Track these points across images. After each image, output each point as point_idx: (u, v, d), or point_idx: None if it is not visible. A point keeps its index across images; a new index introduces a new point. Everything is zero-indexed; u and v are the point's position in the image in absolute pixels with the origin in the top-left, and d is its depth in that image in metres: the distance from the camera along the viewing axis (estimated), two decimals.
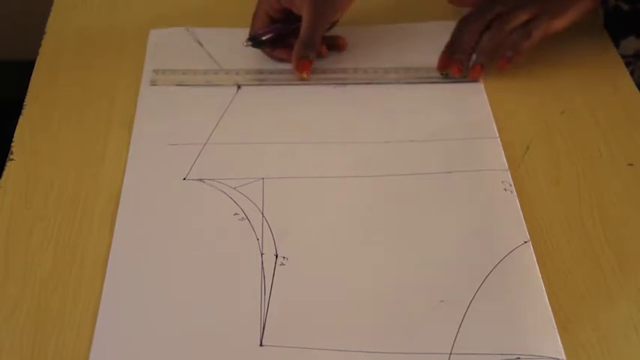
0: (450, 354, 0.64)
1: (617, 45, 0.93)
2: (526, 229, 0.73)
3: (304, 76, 0.86)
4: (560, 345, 0.64)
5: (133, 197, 0.75)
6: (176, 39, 0.93)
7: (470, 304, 0.67)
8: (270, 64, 0.89)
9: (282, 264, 0.70)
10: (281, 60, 0.89)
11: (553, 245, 0.72)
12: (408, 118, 0.84)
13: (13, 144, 0.80)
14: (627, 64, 0.91)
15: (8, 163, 0.78)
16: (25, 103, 0.84)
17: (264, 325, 0.65)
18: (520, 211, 0.74)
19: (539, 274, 0.69)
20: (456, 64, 0.86)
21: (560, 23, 0.85)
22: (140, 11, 0.97)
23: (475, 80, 0.87)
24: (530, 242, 0.72)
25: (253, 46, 0.89)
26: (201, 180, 0.77)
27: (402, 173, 0.78)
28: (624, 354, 0.65)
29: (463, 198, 0.76)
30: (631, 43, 0.95)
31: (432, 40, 0.89)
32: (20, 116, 0.83)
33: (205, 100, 0.85)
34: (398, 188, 0.76)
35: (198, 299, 0.67)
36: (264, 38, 0.89)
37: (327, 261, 0.70)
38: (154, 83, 0.87)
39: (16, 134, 0.81)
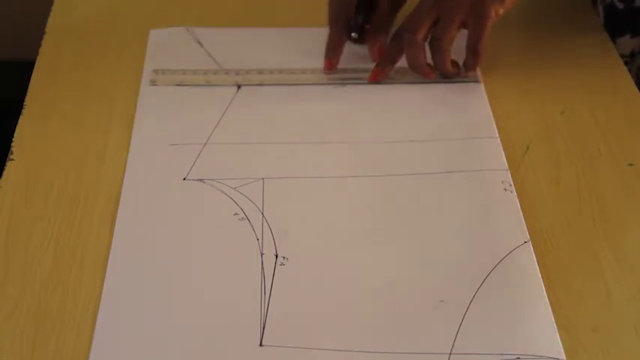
0: (450, 354, 0.64)
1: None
2: (526, 229, 0.73)
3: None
4: (560, 345, 0.64)
5: (133, 197, 0.75)
6: (176, 39, 0.93)
7: (470, 304, 0.67)
8: (270, 64, 0.89)
9: (282, 264, 0.70)
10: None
11: (553, 245, 0.72)
12: (408, 118, 0.84)
13: (13, 144, 0.80)
14: (624, 64, 0.91)
15: (8, 163, 0.78)
16: (25, 103, 0.84)
17: (264, 325, 0.65)
18: (520, 211, 0.74)
19: (539, 274, 0.69)
20: (385, 74, 0.87)
21: (504, 4, 0.83)
22: (140, 11, 0.97)
23: (475, 80, 0.87)
24: (530, 242, 0.72)
25: (357, 34, 0.89)
26: (201, 180, 0.77)
27: (402, 173, 0.78)
28: (624, 354, 0.65)
29: (463, 198, 0.76)
30: (626, 42, 0.95)
31: None
32: (20, 116, 0.83)
33: (205, 100, 0.85)
34: (398, 188, 0.77)
35: (198, 299, 0.67)
36: (360, 21, 0.88)
37: (327, 261, 0.70)
38: (153, 83, 0.87)
39: (16, 134, 0.81)
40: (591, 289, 0.69)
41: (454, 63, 0.86)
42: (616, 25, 0.95)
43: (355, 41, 0.89)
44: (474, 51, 0.84)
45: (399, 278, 0.69)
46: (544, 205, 0.75)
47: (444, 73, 0.86)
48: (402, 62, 0.87)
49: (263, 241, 0.72)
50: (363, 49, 0.90)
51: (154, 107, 0.84)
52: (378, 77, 0.87)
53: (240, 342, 0.64)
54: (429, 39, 0.84)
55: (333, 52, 0.88)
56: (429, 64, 0.85)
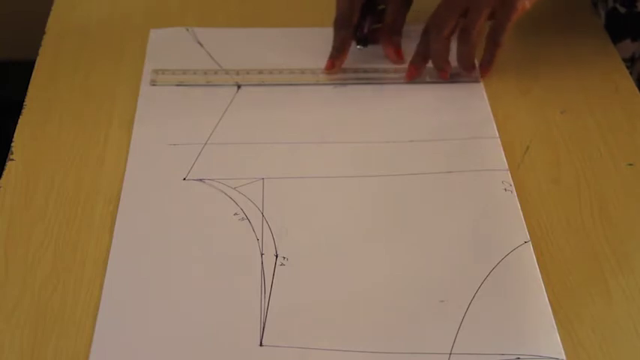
0: (450, 354, 0.64)
1: None
2: (526, 229, 0.73)
3: (399, 60, 0.88)
4: (560, 345, 0.64)
5: (133, 197, 0.75)
6: (176, 39, 0.93)
7: (470, 304, 0.67)
8: (270, 64, 0.89)
9: (282, 264, 0.70)
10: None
11: (553, 245, 0.72)
12: (408, 118, 0.84)
13: (13, 144, 0.80)
14: None
15: (8, 163, 0.78)
16: (25, 103, 0.84)
17: (264, 325, 0.65)
18: (520, 211, 0.74)
19: (539, 274, 0.69)
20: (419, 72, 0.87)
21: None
22: (140, 11, 0.97)
23: (475, 80, 0.87)
24: (530, 242, 0.72)
25: (364, 45, 0.90)
26: (201, 180, 0.77)
27: (402, 173, 0.78)
28: (624, 354, 0.65)
29: (463, 198, 0.76)
30: (627, 47, 0.95)
31: None
32: (20, 116, 0.83)
33: (205, 100, 0.85)
34: (398, 188, 0.77)
35: (198, 299, 0.67)
36: (365, 31, 0.90)
37: (327, 261, 0.70)
38: (154, 83, 0.87)
39: (16, 134, 0.81)
40: (591, 289, 0.69)
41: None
42: (617, 29, 0.95)
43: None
44: (495, 41, 0.84)
45: (399, 278, 0.69)
46: (544, 205, 0.75)
47: (466, 67, 0.86)
48: (403, 62, 0.87)
49: (263, 241, 0.71)
50: (365, 49, 0.90)
51: (154, 107, 0.84)
52: (414, 75, 0.87)
53: (240, 342, 0.64)
54: (456, 32, 0.84)
55: (337, 53, 0.87)
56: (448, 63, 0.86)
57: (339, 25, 0.88)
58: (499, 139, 0.81)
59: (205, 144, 0.80)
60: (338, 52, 0.87)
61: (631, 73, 0.90)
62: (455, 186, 0.77)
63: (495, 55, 0.85)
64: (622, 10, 0.94)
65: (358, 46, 0.90)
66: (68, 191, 0.76)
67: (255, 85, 0.87)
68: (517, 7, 0.82)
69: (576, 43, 0.93)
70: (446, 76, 0.86)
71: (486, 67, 0.86)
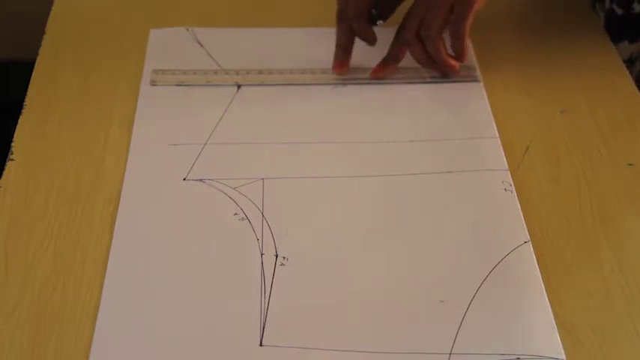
0: (450, 354, 0.64)
1: None
2: (526, 229, 0.73)
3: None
4: (560, 345, 0.64)
5: (133, 197, 0.75)
6: (176, 39, 0.93)
7: (470, 304, 0.67)
8: (270, 64, 0.89)
9: (282, 264, 0.70)
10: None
11: (553, 245, 0.72)
12: (407, 118, 0.84)
13: (13, 144, 0.80)
14: None
15: (8, 163, 0.78)
16: (25, 103, 0.84)
17: (264, 325, 0.65)
18: (520, 211, 0.74)
19: (539, 274, 0.69)
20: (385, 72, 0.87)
21: None
22: (140, 11, 0.97)
23: (475, 80, 0.87)
24: (530, 242, 0.72)
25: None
26: (201, 180, 0.77)
27: (402, 173, 0.78)
28: (624, 354, 0.65)
29: (463, 198, 0.76)
30: (625, 48, 0.95)
31: None
32: (20, 116, 0.83)
33: (205, 100, 0.85)
34: (398, 188, 0.77)
35: (198, 299, 0.67)
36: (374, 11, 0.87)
37: (327, 261, 0.70)
38: (154, 83, 0.87)
39: (16, 134, 0.81)
40: (591, 289, 0.69)
41: (452, 56, 0.86)
42: (614, 31, 0.94)
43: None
44: (455, 34, 0.84)
45: (399, 278, 0.69)
46: (544, 205, 0.76)
47: (441, 62, 0.85)
48: (403, 62, 0.87)
49: (263, 241, 0.72)
50: (365, 49, 0.90)
51: (154, 107, 0.84)
52: (379, 74, 0.87)
53: (240, 342, 0.64)
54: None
55: (342, 52, 0.87)
56: (431, 58, 0.85)
57: (339, 18, 0.87)
58: (499, 139, 0.81)
59: (205, 144, 0.80)
60: (342, 49, 0.87)
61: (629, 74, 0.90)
62: (455, 186, 0.77)
63: (462, 46, 0.84)
64: (619, 11, 0.94)
65: (378, 22, 0.87)
66: (68, 191, 0.76)
67: (255, 85, 0.87)
68: (474, 1, 0.82)
69: (576, 43, 0.93)
70: (454, 67, 0.85)
71: (459, 58, 0.86)
